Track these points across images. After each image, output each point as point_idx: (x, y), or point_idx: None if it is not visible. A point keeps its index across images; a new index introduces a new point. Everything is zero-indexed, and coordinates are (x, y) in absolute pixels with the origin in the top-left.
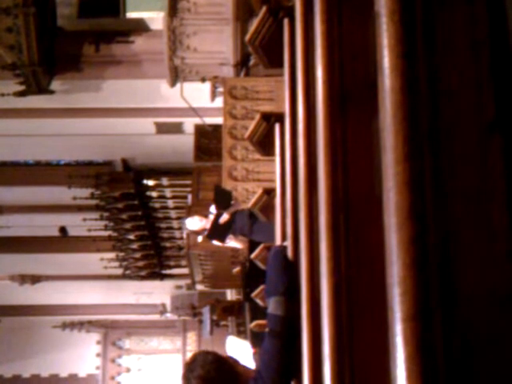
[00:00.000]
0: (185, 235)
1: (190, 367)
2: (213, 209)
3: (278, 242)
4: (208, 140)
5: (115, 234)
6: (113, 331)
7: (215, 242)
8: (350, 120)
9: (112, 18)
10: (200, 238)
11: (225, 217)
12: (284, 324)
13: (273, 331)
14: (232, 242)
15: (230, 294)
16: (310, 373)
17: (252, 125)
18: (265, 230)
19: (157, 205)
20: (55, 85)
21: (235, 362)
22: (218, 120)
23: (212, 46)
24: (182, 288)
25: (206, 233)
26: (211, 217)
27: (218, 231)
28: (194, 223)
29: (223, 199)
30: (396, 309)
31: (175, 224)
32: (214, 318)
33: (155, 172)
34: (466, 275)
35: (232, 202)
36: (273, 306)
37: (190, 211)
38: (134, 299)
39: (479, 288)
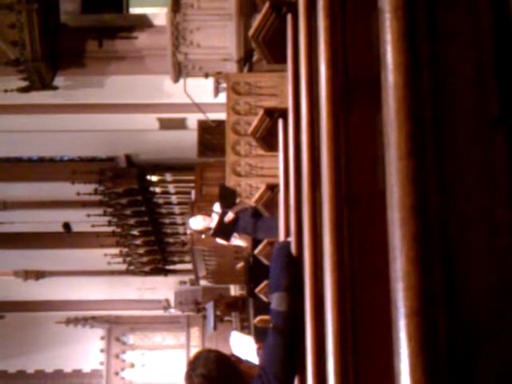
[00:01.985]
0: (188, 234)
1: (192, 366)
2: (216, 207)
3: (281, 237)
4: (211, 136)
5: (119, 230)
6: (117, 327)
7: (220, 241)
8: (353, 115)
9: (115, 14)
10: (203, 236)
11: (230, 215)
12: (287, 320)
13: (276, 327)
14: (236, 241)
15: (234, 290)
16: (314, 368)
17: (255, 120)
18: (268, 227)
19: (160, 200)
20: (58, 81)
21: (238, 360)
22: (222, 116)
23: (215, 41)
24: (185, 283)
25: (211, 231)
26: (214, 216)
27: (223, 230)
28: (198, 223)
29: (228, 198)
30: (400, 304)
31: (179, 220)
32: (218, 313)
33: (159, 168)
34: (470, 270)
35: (237, 201)
36: (276, 301)
37: (194, 207)
38: (137, 295)
39: (482, 283)
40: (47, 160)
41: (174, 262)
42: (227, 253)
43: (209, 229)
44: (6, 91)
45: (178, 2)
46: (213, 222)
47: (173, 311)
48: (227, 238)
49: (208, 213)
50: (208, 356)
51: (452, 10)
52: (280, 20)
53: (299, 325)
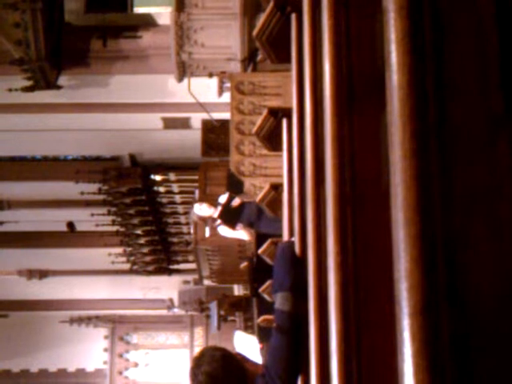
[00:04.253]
0: (191, 222)
1: (197, 363)
2: (221, 199)
3: (285, 235)
4: (215, 135)
5: (123, 229)
6: (120, 326)
7: (224, 231)
8: (357, 115)
9: (119, 13)
10: (207, 231)
11: (237, 201)
12: (291, 320)
13: (280, 327)
14: (241, 232)
15: (238, 289)
16: (317, 368)
17: (259, 120)
18: (272, 220)
19: (164, 200)
20: (63, 80)
21: (243, 358)
22: (226, 115)
23: (219, 41)
24: (189, 283)
25: (217, 213)
26: (220, 208)
27: (229, 214)
28: (203, 209)
29: (236, 183)
30: (403, 303)
31: (183, 219)
32: (222, 313)
33: (162, 167)
34: (473, 270)
35: (244, 191)
36: (279, 301)
37: None
38: (141, 294)
39: (486, 283)
40: (51, 159)
41: (178, 262)
42: (231, 252)
43: (212, 218)
44: (10, 90)
45: (183, 2)
46: (217, 212)
47: (176, 311)
48: (233, 223)
49: (213, 202)
50: (213, 354)
51: (457, 9)
52: (284, 19)
53: (303, 324)
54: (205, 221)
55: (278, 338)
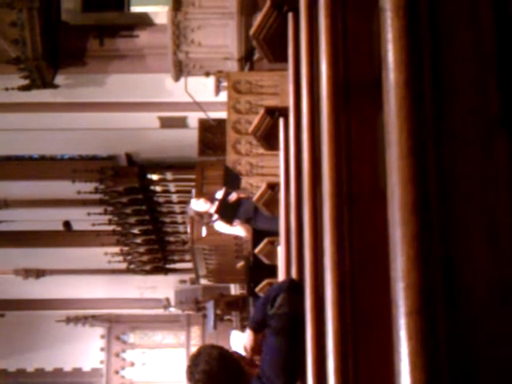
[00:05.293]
0: (188, 222)
1: (194, 361)
2: (218, 194)
3: (282, 233)
4: (212, 134)
5: (119, 229)
6: (117, 325)
7: (221, 227)
8: (354, 114)
9: (116, 12)
10: (204, 231)
11: (233, 196)
12: (288, 320)
13: (276, 328)
14: (238, 228)
15: (234, 289)
16: (314, 368)
17: (256, 119)
18: (269, 217)
19: (161, 199)
20: (59, 79)
21: (240, 357)
22: (222, 114)
23: (216, 40)
24: (186, 282)
25: (214, 209)
26: (216, 203)
27: (226, 209)
28: (199, 204)
29: (233, 179)
30: (400, 303)
31: (179, 218)
32: (218, 312)
33: (159, 166)
34: (470, 270)
35: (241, 186)
36: (277, 304)
37: None
38: (138, 293)
39: (483, 282)
40: (48, 158)
41: (175, 261)
42: (228, 251)
43: (209, 214)
44: (6, 89)
45: (179, 1)
46: (213, 207)
47: (173, 310)
48: (230, 219)
49: (210, 198)
50: (211, 352)
51: (454, 9)
52: (281, 19)
53: (300, 325)
54: (201, 216)
55: (274, 339)
